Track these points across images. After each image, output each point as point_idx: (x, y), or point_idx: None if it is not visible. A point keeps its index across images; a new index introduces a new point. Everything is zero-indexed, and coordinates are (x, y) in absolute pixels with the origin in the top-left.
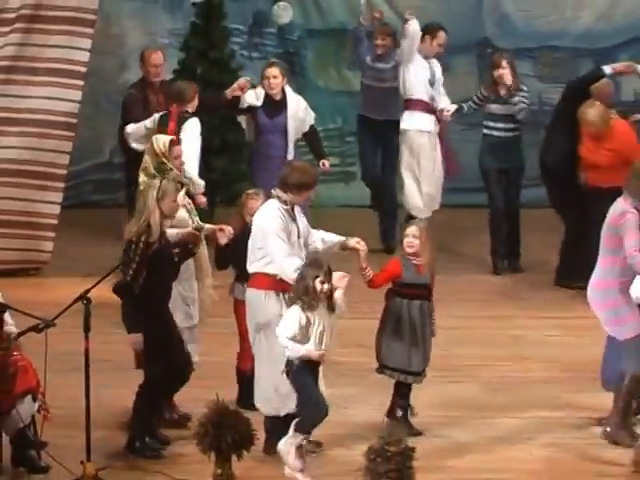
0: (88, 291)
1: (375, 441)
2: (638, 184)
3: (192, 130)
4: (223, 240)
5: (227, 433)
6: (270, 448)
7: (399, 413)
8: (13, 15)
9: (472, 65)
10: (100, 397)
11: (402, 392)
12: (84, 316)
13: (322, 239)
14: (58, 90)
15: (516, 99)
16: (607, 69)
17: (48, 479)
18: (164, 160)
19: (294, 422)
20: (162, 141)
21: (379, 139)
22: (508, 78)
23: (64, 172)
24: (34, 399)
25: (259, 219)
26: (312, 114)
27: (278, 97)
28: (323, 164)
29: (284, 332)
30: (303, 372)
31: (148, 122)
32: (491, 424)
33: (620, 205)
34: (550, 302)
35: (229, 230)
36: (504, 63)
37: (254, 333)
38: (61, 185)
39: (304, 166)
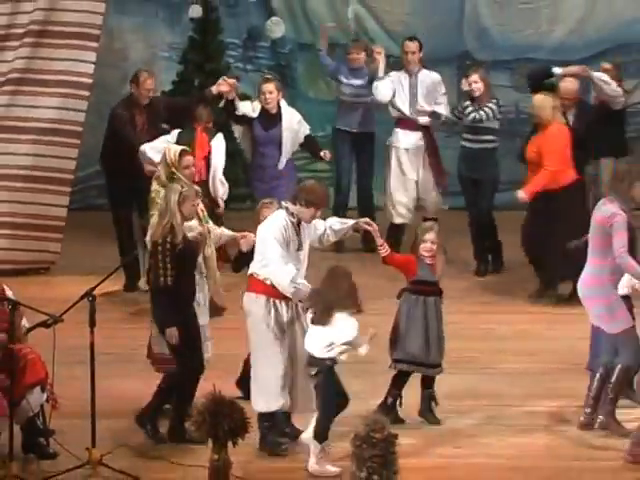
0: (93, 289)
1: (361, 428)
2: (625, 186)
3: (220, 143)
4: (245, 247)
5: (223, 421)
6: (265, 446)
7: (389, 400)
8: (22, 30)
9: (453, 76)
10: (104, 388)
11: (399, 383)
12: (89, 312)
13: (334, 230)
14: (65, 100)
15: (469, 109)
16: (557, 70)
17: (56, 465)
18: (174, 169)
19: (312, 439)
20: (173, 151)
21: (354, 149)
22: (465, 85)
23: (71, 177)
24: (43, 390)
25: (263, 226)
26: (306, 126)
27: (274, 111)
28: (325, 154)
29: (345, 338)
30: (333, 374)
31: (170, 137)
32: (485, 413)
33: (608, 207)
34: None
35: (251, 237)
36: (473, 77)
37: (249, 333)
38: (68, 189)
39: (315, 185)
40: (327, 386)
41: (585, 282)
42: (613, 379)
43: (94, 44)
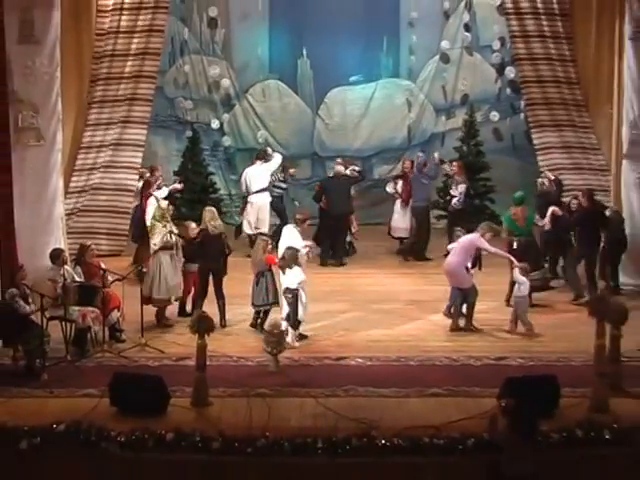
0: (142, 262)
1: (268, 328)
2: (480, 231)
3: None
4: None
5: (203, 325)
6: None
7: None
8: (108, 144)
9: (308, 167)
10: (148, 309)
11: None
12: (140, 273)
13: None
14: (126, 176)
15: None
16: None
17: (124, 346)
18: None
19: (289, 328)
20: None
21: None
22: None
23: (128, 212)
24: (118, 310)
25: None
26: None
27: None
28: None
29: (298, 280)
30: (297, 296)
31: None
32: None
33: (475, 234)
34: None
35: None
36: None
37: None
38: (128, 216)
39: None
40: (295, 301)
41: (451, 263)
42: (468, 310)
43: (141, 149)
